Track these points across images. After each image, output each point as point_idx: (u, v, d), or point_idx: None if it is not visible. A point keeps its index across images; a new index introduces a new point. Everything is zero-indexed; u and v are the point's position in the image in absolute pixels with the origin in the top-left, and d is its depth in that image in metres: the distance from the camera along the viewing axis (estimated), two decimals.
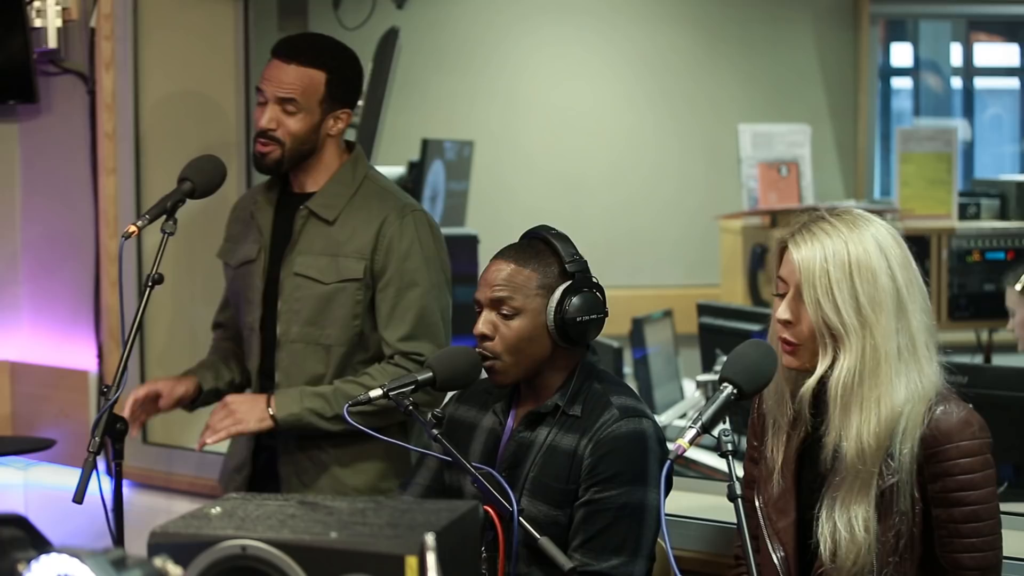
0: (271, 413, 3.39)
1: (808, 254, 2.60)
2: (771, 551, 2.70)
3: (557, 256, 2.96)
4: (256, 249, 3.56)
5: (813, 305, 2.59)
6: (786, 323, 2.64)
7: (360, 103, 3.59)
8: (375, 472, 3.50)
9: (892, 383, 2.58)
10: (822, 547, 2.62)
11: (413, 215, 3.49)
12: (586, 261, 2.97)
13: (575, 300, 2.92)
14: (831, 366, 2.60)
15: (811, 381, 2.62)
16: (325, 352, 3.47)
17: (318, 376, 3.47)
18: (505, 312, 2.93)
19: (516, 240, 3.05)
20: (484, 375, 3.02)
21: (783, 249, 2.67)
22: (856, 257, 2.59)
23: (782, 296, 2.66)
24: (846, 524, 2.59)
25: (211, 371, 3.66)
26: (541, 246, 2.99)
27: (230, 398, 3.44)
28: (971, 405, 2.63)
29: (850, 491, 2.60)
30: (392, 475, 3.50)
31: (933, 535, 2.61)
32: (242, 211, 3.67)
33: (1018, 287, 4.60)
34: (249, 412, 3.40)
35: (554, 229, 3.01)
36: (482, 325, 2.95)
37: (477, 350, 2.96)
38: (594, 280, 2.97)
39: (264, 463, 3.57)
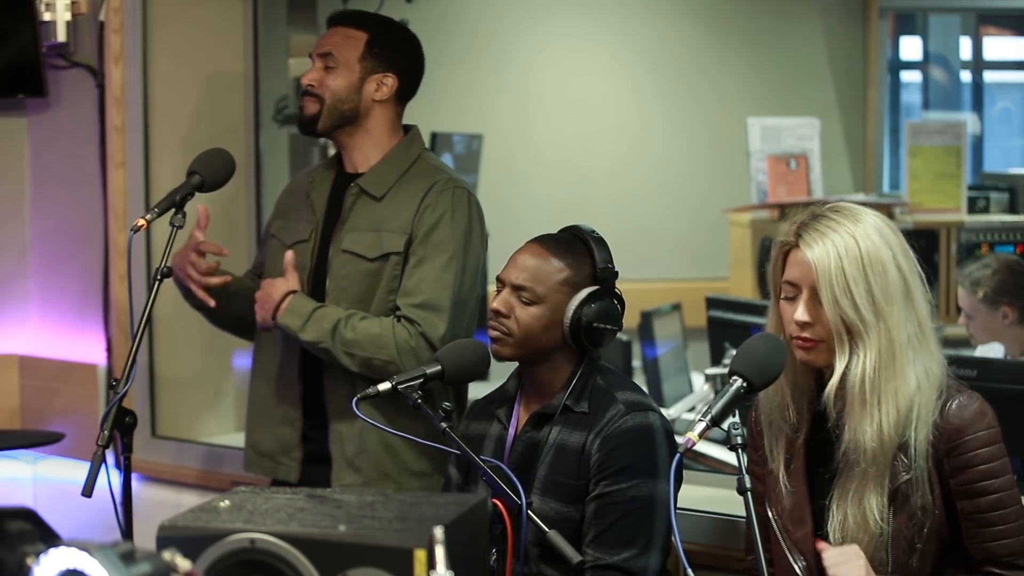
0: (276, 321, 3.41)
1: (821, 253, 2.58)
2: (792, 562, 2.69)
3: (591, 258, 2.96)
4: (309, 229, 3.55)
5: (831, 304, 2.57)
6: (804, 325, 2.62)
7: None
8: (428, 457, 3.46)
9: (905, 372, 2.58)
10: (831, 538, 2.61)
11: (455, 190, 3.45)
12: (617, 272, 2.96)
13: (597, 305, 2.92)
14: (848, 362, 2.59)
15: (834, 380, 2.60)
16: None
17: None
18: (525, 299, 2.94)
19: (527, 235, 3.05)
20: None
21: (787, 252, 2.65)
22: (867, 250, 2.58)
23: (790, 299, 2.64)
24: (858, 515, 2.58)
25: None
26: (579, 244, 2.99)
27: (265, 283, 3.48)
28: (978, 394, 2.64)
29: (864, 482, 2.59)
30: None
31: (956, 529, 2.61)
32: (297, 188, 3.67)
33: (966, 285, 4.63)
34: (261, 307, 3.45)
35: (596, 232, 3.00)
36: (499, 302, 2.96)
37: (488, 323, 2.97)
38: (618, 292, 2.97)
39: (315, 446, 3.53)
